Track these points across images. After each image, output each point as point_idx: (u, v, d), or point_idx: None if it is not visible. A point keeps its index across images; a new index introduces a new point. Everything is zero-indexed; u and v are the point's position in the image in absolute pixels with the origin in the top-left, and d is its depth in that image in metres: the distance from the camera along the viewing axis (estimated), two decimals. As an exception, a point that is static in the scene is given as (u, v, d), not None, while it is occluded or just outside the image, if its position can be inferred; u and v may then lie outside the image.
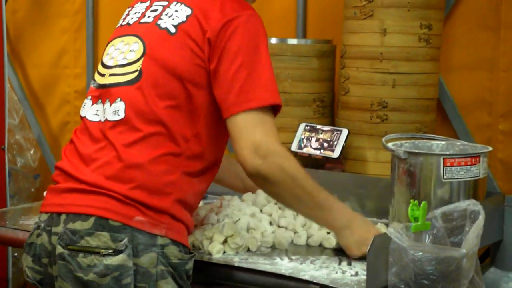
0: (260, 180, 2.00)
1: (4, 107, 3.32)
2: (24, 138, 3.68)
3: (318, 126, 2.89)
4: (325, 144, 2.83)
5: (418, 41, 2.77)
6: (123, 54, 2.10)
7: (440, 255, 1.96)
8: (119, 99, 2.04)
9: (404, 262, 1.97)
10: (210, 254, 2.15)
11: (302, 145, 2.89)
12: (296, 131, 2.91)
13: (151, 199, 1.98)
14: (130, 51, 2.08)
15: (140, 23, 2.12)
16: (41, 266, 2.05)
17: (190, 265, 2.02)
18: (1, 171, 3.29)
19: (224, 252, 2.17)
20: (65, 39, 3.81)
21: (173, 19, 2.08)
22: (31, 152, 3.70)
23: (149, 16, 2.12)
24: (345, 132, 2.81)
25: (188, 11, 2.07)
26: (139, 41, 2.09)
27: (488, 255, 2.68)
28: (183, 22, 2.06)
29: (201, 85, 2.03)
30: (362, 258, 2.11)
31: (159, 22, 2.09)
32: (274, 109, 2.04)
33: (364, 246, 2.08)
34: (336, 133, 2.82)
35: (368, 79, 2.81)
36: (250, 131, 1.97)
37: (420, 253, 1.96)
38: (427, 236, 2.09)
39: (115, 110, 2.03)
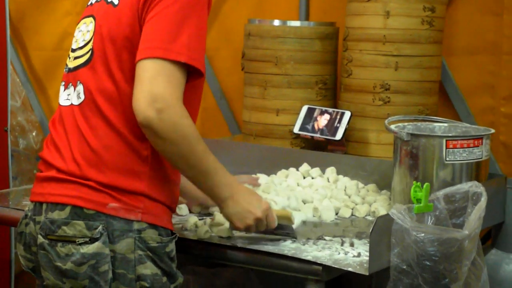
0: (150, 133, 1.88)
1: (6, 89, 3.32)
2: (26, 120, 3.68)
3: (321, 108, 2.89)
4: (328, 126, 2.84)
5: (421, 24, 2.77)
6: (83, 35, 2.08)
7: (442, 236, 1.97)
8: (79, 82, 2.03)
9: (407, 243, 1.98)
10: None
11: (305, 127, 2.89)
12: (298, 113, 2.92)
13: (124, 182, 1.96)
14: (87, 31, 2.07)
15: (97, 1, 2.10)
16: (31, 254, 2.06)
17: (171, 247, 2.01)
18: (4, 152, 3.29)
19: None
20: (67, 22, 3.79)
21: None
22: (33, 134, 3.69)
23: None
24: (347, 114, 2.81)
25: None
26: (93, 20, 2.07)
27: (490, 237, 2.69)
28: None
29: None
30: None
31: None
32: (193, 74, 1.94)
33: (246, 219, 2.04)
34: (339, 115, 2.83)
35: (371, 61, 2.81)
36: (153, 80, 1.86)
37: (423, 234, 1.97)
38: (429, 217, 2.10)
39: (78, 94, 2.03)
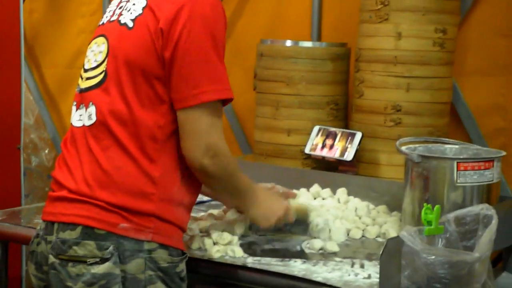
0: (203, 176, 2.05)
1: (20, 107, 3.35)
2: (39, 138, 3.70)
3: (332, 129, 2.89)
4: (339, 147, 2.84)
5: (432, 45, 2.77)
6: (94, 56, 2.10)
7: (453, 258, 1.96)
8: (91, 103, 2.05)
9: (417, 265, 1.97)
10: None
11: (316, 148, 2.90)
12: (309, 134, 2.92)
13: (135, 203, 1.97)
14: (100, 52, 2.08)
15: (109, 22, 2.11)
16: (43, 273, 2.07)
17: (181, 267, 2.02)
18: (16, 170, 3.31)
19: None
20: (81, 40, 3.82)
21: (131, 13, 2.05)
22: (46, 151, 3.72)
23: (116, 14, 2.11)
24: (358, 135, 2.81)
25: (143, 3, 2.04)
26: (105, 41, 2.08)
27: (501, 260, 2.68)
28: (139, 14, 2.03)
29: (162, 76, 2.00)
30: (373, 260, 2.12)
31: (120, 18, 2.08)
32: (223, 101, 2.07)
33: (271, 218, 2.22)
34: (350, 136, 2.83)
35: (382, 82, 2.81)
36: (206, 132, 2.00)
37: (433, 257, 1.96)
38: (439, 240, 2.09)
39: (89, 115, 2.04)
